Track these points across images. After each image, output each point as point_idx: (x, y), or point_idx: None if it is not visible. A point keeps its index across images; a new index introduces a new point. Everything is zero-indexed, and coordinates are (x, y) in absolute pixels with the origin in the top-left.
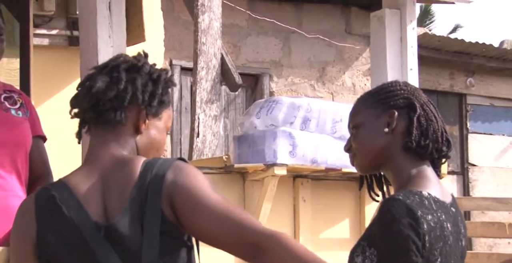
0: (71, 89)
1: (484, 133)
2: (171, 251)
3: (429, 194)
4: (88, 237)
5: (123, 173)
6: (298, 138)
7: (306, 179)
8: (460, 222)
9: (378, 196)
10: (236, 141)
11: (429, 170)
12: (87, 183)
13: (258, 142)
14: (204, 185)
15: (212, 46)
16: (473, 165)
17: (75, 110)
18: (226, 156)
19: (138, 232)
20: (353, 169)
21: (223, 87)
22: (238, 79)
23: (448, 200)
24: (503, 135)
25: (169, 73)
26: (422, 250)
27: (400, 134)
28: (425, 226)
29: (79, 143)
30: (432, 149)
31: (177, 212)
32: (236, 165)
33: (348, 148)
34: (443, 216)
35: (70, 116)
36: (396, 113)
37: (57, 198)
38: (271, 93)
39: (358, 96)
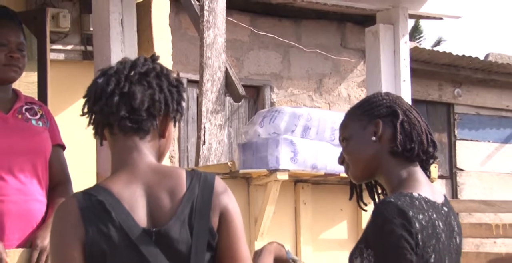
0: None
1: (471, 140)
2: (210, 258)
3: (419, 195)
4: (138, 242)
5: (170, 183)
6: (299, 145)
7: (307, 183)
8: (453, 220)
9: (366, 206)
10: (240, 148)
11: (419, 173)
12: (130, 190)
13: (262, 149)
14: (241, 222)
15: (217, 60)
16: (461, 170)
17: (98, 115)
18: (231, 162)
19: (187, 238)
20: None
21: (227, 98)
22: (241, 91)
23: (439, 200)
24: (489, 141)
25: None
26: (416, 248)
27: (387, 141)
28: (417, 225)
29: (101, 145)
30: (419, 151)
31: (218, 231)
32: (241, 171)
33: (341, 161)
34: (434, 215)
35: (87, 122)
36: (381, 121)
37: (106, 204)
38: (272, 103)
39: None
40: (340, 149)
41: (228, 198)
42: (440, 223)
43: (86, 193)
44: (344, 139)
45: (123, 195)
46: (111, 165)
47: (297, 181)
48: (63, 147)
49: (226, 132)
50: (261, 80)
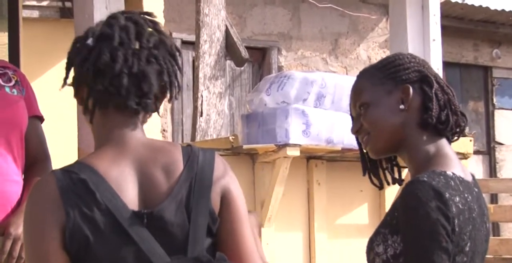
0: (64, 65)
1: None
2: (210, 245)
3: (453, 173)
4: (126, 225)
5: (165, 160)
6: (312, 116)
7: (321, 160)
8: (483, 203)
9: (381, 183)
10: (244, 120)
11: (448, 147)
12: (118, 168)
13: (269, 121)
14: (244, 205)
15: (216, 17)
16: (500, 143)
17: (97, 94)
18: (233, 137)
19: (184, 221)
20: None
21: (228, 61)
22: (244, 53)
23: (470, 179)
24: None
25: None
26: (451, 234)
27: (416, 110)
28: (453, 208)
29: (91, 122)
30: (452, 123)
31: (219, 213)
32: (244, 146)
33: (356, 130)
34: (470, 197)
35: (66, 90)
36: (411, 88)
37: (89, 183)
38: (280, 68)
39: None
40: None
41: (230, 178)
42: (475, 207)
43: (66, 170)
44: (363, 105)
45: (110, 173)
46: (94, 139)
47: (310, 157)
48: (41, 119)
49: (227, 102)
50: (267, 41)
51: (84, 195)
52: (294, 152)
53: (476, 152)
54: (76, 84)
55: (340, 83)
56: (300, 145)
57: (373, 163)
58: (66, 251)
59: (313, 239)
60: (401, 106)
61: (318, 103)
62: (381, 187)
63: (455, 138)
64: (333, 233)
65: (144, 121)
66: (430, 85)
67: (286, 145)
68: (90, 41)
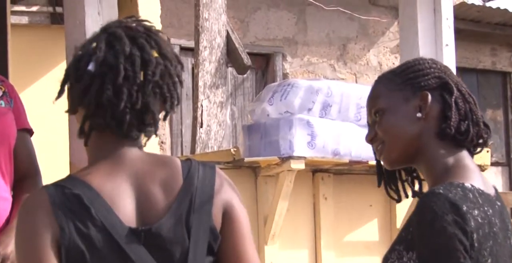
0: (55, 74)
1: None
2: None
3: (472, 185)
4: (122, 243)
5: (164, 174)
6: (317, 126)
7: (327, 173)
8: (506, 217)
9: (398, 194)
10: (246, 131)
11: (468, 159)
12: (113, 183)
13: (272, 132)
14: (247, 221)
15: (216, 22)
16: None
17: (96, 120)
18: (235, 149)
19: (183, 239)
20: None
21: (230, 69)
22: (246, 60)
23: (492, 192)
24: None
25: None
26: (470, 250)
27: (434, 119)
28: (472, 222)
29: (86, 145)
30: (473, 135)
31: (221, 230)
32: (246, 159)
33: (371, 139)
34: (490, 211)
35: (57, 102)
36: (430, 95)
37: (83, 198)
38: (285, 75)
39: None
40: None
41: (232, 193)
42: (497, 221)
43: (59, 185)
44: (378, 111)
45: (105, 188)
46: (88, 155)
47: (316, 170)
48: (30, 132)
49: (228, 112)
50: (271, 47)
51: (79, 210)
52: (298, 165)
53: (495, 164)
54: (71, 104)
55: (347, 91)
56: (305, 158)
57: (391, 174)
58: None
59: (320, 258)
60: (419, 114)
61: (324, 113)
62: (398, 200)
63: (477, 150)
64: (341, 251)
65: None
66: (451, 93)
67: (290, 157)
68: (91, 67)
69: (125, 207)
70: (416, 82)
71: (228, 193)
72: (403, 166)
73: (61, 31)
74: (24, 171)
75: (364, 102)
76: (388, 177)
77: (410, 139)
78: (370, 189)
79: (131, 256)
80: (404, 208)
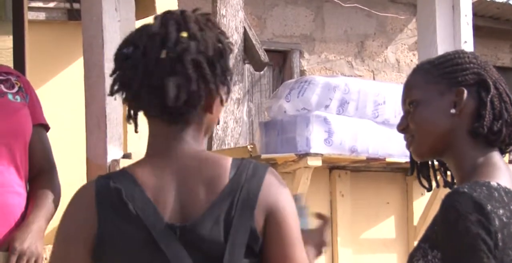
0: (72, 71)
1: None
2: None
3: (498, 184)
4: (158, 238)
5: (210, 173)
6: (335, 123)
7: (345, 170)
8: None
9: (429, 183)
10: (262, 128)
11: (497, 157)
12: (158, 179)
13: (289, 129)
14: (297, 224)
15: (233, 19)
16: None
17: (128, 102)
18: (251, 146)
19: (219, 238)
20: (399, 159)
21: (247, 65)
22: (263, 57)
23: None
24: None
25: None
26: (494, 250)
27: (468, 116)
28: (496, 222)
29: (136, 132)
30: (506, 135)
31: (265, 234)
32: (263, 156)
33: (402, 128)
34: None
35: (73, 96)
36: (466, 91)
37: (123, 193)
38: (302, 72)
39: (403, 74)
40: (385, 128)
41: (281, 194)
42: None
43: (107, 177)
44: (412, 102)
45: (149, 183)
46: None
47: (333, 167)
48: (46, 127)
49: (245, 108)
50: (289, 44)
51: (118, 205)
52: (315, 162)
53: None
54: (116, 90)
55: (364, 88)
56: (322, 155)
57: (423, 162)
58: (94, 261)
59: (337, 255)
60: (452, 110)
61: (341, 110)
62: (429, 189)
63: (509, 149)
64: (358, 248)
65: (198, 129)
66: (487, 91)
67: (307, 154)
68: (127, 50)
69: (166, 203)
70: (453, 76)
71: (276, 195)
72: (431, 159)
73: (78, 27)
74: (40, 167)
75: (381, 99)
76: (420, 166)
77: (441, 135)
78: (387, 187)
79: (165, 251)
80: (421, 205)
